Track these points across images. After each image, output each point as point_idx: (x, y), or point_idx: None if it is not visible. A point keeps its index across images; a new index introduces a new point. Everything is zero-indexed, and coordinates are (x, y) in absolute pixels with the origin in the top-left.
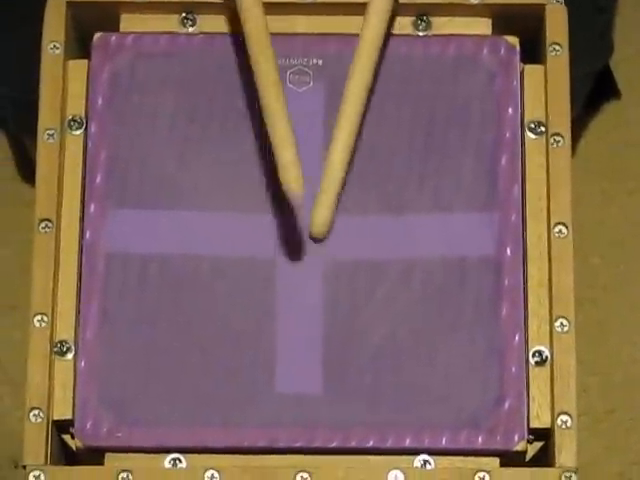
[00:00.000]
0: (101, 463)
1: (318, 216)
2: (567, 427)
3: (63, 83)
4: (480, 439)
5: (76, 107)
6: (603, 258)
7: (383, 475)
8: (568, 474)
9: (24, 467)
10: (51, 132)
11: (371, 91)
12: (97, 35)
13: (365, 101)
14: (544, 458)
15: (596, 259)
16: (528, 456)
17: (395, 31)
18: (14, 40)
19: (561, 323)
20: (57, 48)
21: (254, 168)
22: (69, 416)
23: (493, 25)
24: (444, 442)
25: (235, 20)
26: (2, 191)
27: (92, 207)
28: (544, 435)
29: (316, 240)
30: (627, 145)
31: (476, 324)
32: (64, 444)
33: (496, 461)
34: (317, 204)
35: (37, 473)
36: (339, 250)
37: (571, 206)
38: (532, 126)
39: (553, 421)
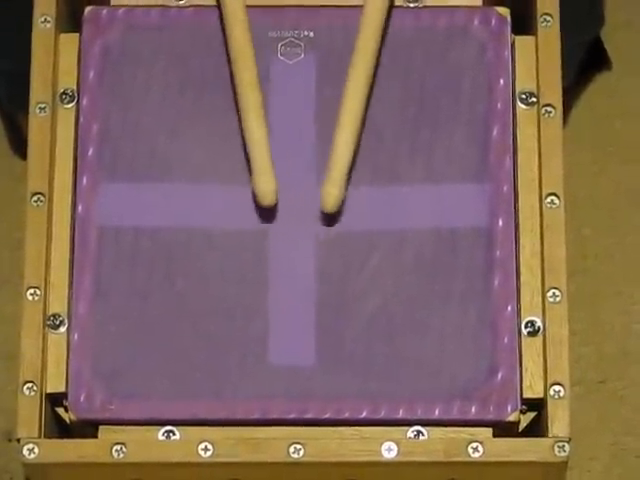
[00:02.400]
0: (95, 436)
1: (329, 193)
2: (560, 397)
3: (54, 57)
4: (473, 410)
5: (67, 81)
6: (595, 228)
7: (376, 446)
8: (561, 444)
9: (18, 440)
10: (43, 106)
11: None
12: (88, 8)
13: (371, 79)
14: (537, 428)
15: (588, 230)
16: (521, 426)
17: None
18: (6, 14)
19: (553, 293)
20: (48, 22)
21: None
22: (62, 389)
23: None
24: (437, 413)
25: None
26: None
27: (84, 180)
28: (537, 405)
29: (320, 215)
30: (618, 115)
31: (468, 295)
32: (58, 417)
33: (489, 431)
34: (327, 181)
35: (31, 446)
36: (331, 221)
37: (563, 177)
38: (523, 97)
39: (546, 391)
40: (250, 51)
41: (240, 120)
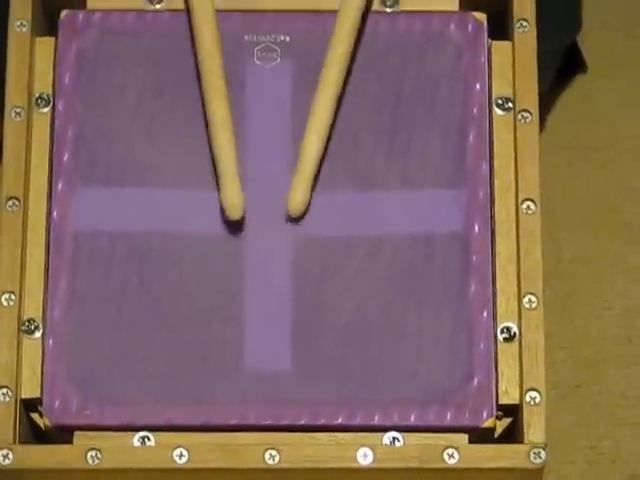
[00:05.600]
0: (70, 442)
1: (294, 197)
2: (536, 403)
3: (30, 61)
4: (449, 416)
5: (43, 85)
6: (570, 232)
7: (352, 452)
8: (537, 450)
9: None
10: (18, 110)
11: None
12: (64, 12)
13: (341, 83)
14: (513, 434)
15: (563, 233)
16: (497, 432)
17: None
18: None
19: (529, 299)
20: (24, 26)
21: None
22: (37, 394)
23: (460, 1)
24: (413, 419)
25: None
26: None
27: (60, 185)
28: (513, 411)
29: (292, 219)
30: (593, 118)
31: (444, 301)
32: (33, 423)
33: (465, 437)
34: (293, 185)
35: (5, 452)
36: (307, 227)
37: (539, 183)
38: (500, 102)
39: (522, 397)
40: (218, 57)
41: (207, 130)
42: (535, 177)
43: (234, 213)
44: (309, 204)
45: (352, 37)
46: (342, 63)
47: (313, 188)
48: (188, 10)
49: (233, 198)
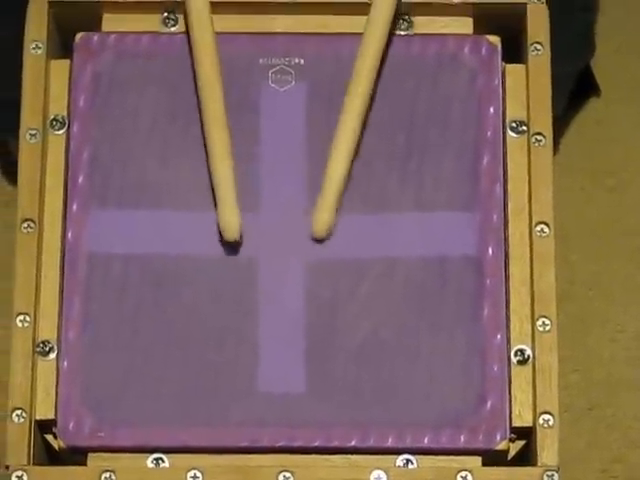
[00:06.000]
0: (84, 463)
1: (320, 219)
2: (549, 426)
3: (45, 83)
4: (462, 438)
5: (58, 107)
6: (583, 255)
7: (365, 474)
8: (550, 473)
9: (7, 467)
10: (33, 132)
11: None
12: (79, 35)
13: (366, 108)
14: (526, 457)
15: (576, 256)
16: (510, 455)
17: None
18: None
19: (543, 322)
20: (39, 48)
21: None
22: (52, 416)
23: (474, 24)
24: (426, 441)
25: (216, 20)
26: None
27: (74, 207)
28: (526, 434)
29: (315, 240)
30: (606, 142)
31: (458, 323)
32: (47, 444)
33: (478, 460)
34: (319, 206)
35: (20, 473)
36: (321, 249)
37: (552, 206)
38: (514, 125)
39: (535, 420)
40: (218, 83)
41: (207, 155)
42: (549, 200)
43: (230, 235)
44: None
45: (377, 63)
46: (366, 90)
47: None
48: (188, 35)
49: (230, 220)
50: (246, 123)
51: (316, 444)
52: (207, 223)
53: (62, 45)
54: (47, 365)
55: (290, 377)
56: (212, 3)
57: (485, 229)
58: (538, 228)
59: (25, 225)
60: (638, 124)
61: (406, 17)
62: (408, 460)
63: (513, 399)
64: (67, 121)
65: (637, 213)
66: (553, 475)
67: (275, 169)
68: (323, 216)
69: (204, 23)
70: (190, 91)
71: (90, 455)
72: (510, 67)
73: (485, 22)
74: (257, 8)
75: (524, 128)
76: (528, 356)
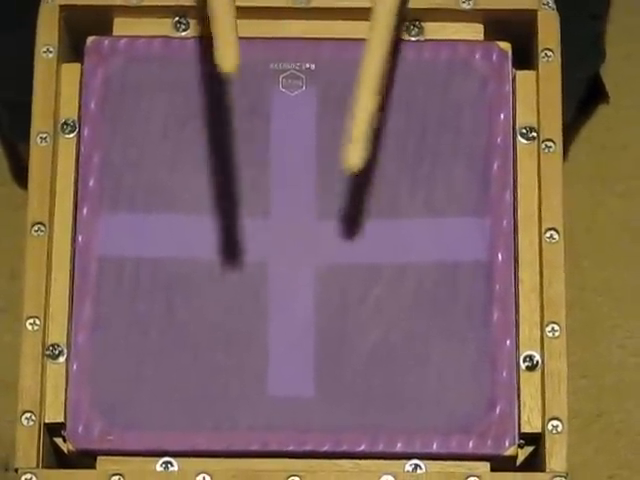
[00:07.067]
0: (93, 466)
1: (352, 151)
2: (558, 432)
3: (56, 86)
4: (471, 444)
5: (69, 110)
6: (593, 261)
7: (375, 479)
8: (559, 479)
9: (16, 470)
10: (44, 135)
11: None
12: (90, 38)
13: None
14: (535, 463)
15: (586, 262)
16: (519, 460)
17: None
18: (9, 43)
19: (552, 328)
20: (50, 52)
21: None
22: (61, 419)
23: (485, 31)
24: (435, 447)
25: None
26: None
27: (85, 210)
28: (535, 440)
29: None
30: (615, 148)
31: (467, 329)
32: (56, 447)
33: (487, 466)
34: (350, 140)
35: (29, 476)
36: (331, 254)
37: (562, 212)
38: (524, 132)
39: (544, 426)
40: None
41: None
42: (558, 206)
43: (227, 65)
44: (334, 231)
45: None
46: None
47: (337, 215)
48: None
49: (227, 52)
50: (256, 128)
51: (325, 449)
52: (218, 227)
53: (73, 49)
54: (57, 368)
55: (299, 382)
56: None
57: (495, 235)
58: (548, 234)
59: (35, 228)
60: None
61: (416, 23)
62: (417, 465)
63: (522, 405)
64: (78, 125)
65: None
66: None
67: (285, 174)
68: (356, 148)
69: None
70: (201, 95)
71: (99, 458)
72: (521, 73)
73: (496, 28)
74: (268, 13)
75: (534, 134)
76: (537, 362)
